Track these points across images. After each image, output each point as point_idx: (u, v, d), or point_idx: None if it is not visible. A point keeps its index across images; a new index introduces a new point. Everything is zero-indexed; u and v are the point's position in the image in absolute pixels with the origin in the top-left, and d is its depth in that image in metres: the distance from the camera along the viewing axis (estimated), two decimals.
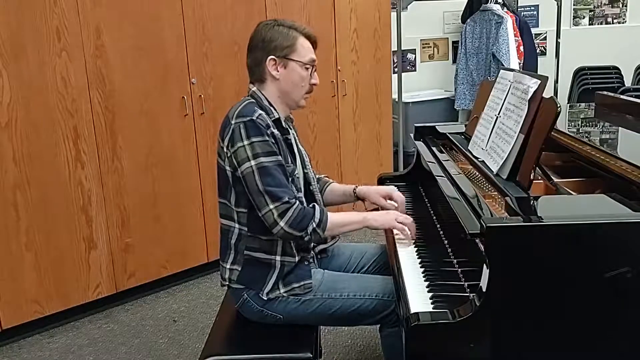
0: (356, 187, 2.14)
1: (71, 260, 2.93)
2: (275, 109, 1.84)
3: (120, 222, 3.07)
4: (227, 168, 1.79)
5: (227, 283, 1.88)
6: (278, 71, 1.82)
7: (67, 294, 2.94)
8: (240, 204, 1.81)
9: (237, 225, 1.83)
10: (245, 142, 1.72)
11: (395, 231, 1.91)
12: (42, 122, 2.76)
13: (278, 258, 1.81)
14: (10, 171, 2.69)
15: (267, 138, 1.74)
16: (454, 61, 5.59)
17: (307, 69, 1.84)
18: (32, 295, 2.83)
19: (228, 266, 1.86)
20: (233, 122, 1.75)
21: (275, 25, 1.83)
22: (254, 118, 1.73)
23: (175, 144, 3.21)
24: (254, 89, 1.86)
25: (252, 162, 1.72)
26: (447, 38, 5.71)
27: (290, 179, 1.81)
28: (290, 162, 1.83)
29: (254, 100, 1.82)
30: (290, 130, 1.92)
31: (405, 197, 2.28)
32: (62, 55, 2.77)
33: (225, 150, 1.78)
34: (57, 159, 2.82)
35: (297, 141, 1.96)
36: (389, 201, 2.08)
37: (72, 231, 2.92)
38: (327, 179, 2.16)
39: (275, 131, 1.79)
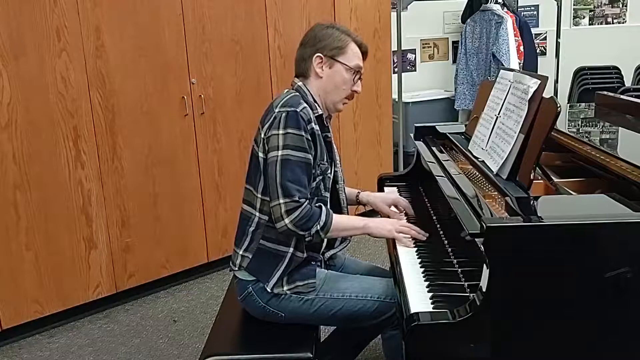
0: (359, 192, 2.15)
1: (71, 260, 2.93)
2: (318, 105, 1.86)
3: (120, 222, 3.07)
4: (260, 154, 1.81)
5: (236, 269, 1.88)
6: (322, 70, 1.85)
7: (67, 294, 2.94)
8: (267, 192, 1.81)
9: (257, 214, 1.84)
10: (281, 131, 1.74)
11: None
12: (42, 122, 2.76)
13: (291, 250, 1.81)
14: (10, 171, 2.69)
15: (303, 133, 1.74)
16: (454, 61, 5.59)
17: (352, 73, 1.87)
18: (32, 295, 2.83)
19: (241, 252, 1.87)
20: (276, 110, 1.77)
21: (330, 28, 1.88)
22: (298, 110, 1.75)
23: (175, 144, 3.21)
24: (299, 83, 1.88)
25: (279, 152, 1.73)
26: (447, 38, 5.72)
27: (321, 177, 1.82)
28: (326, 160, 1.85)
29: (298, 94, 1.84)
30: (330, 128, 1.94)
31: (405, 197, 2.28)
32: (62, 55, 2.77)
33: (262, 135, 1.79)
34: (57, 159, 2.82)
35: (333, 140, 1.98)
36: (392, 208, 2.09)
37: (72, 231, 2.92)
38: None
39: (316, 127, 1.80)
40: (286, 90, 1.89)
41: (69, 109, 2.83)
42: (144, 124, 3.08)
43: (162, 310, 3.13)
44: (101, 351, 2.76)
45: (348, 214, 2.03)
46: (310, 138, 1.76)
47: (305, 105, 1.78)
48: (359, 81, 1.91)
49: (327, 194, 1.89)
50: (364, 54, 1.92)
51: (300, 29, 3.65)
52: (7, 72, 2.63)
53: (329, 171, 1.88)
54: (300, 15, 3.64)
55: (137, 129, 3.06)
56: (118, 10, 2.92)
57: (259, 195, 1.83)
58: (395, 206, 2.13)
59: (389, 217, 2.08)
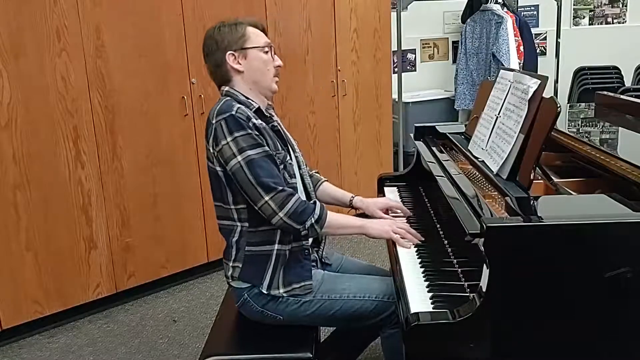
0: (353, 197, 2.13)
1: (71, 260, 2.93)
2: (252, 101, 1.85)
3: (120, 222, 3.07)
4: (218, 169, 1.80)
5: (230, 280, 1.88)
6: (240, 64, 1.85)
7: (67, 294, 2.94)
8: (239, 201, 1.81)
9: (238, 223, 1.84)
10: (229, 139, 1.73)
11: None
12: (42, 122, 2.76)
13: (276, 247, 1.81)
14: (10, 171, 2.69)
15: (249, 131, 1.74)
16: (454, 61, 5.59)
17: (266, 52, 1.87)
18: (32, 295, 2.83)
19: (231, 264, 1.86)
20: (214, 121, 1.77)
21: (221, 27, 1.88)
22: (234, 113, 1.74)
23: (175, 144, 3.21)
24: (226, 88, 1.88)
25: (239, 157, 1.73)
26: (447, 38, 5.72)
27: (283, 166, 1.82)
28: (280, 148, 1.84)
29: (229, 98, 1.84)
30: (274, 117, 1.93)
31: (405, 197, 2.29)
32: (62, 55, 2.77)
33: (212, 150, 1.79)
34: (57, 159, 2.82)
35: (283, 127, 1.97)
36: (390, 213, 2.08)
37: (72, 231, 2.92)
38: (319, 176, 2.17)
39: (259, 121, 1.80)
40: (219, 99, 1.88)
41: (69, 109, 2.83)
42: (144, 124, 3.08)
43: (162, 310, 3.13)
44: (101, 351, 2.76)
45: (316, 196, 2.03)
46: (257, 133, 1.76)
47: (239, 105, 1.78)
48: (276, 56, 1.91)
49: (294, 181, 1.88)
50: (264, 31, 1.92)
51: (300, 29, 3.65)
52: (7, 72, 2.63)
53: (288, 158, 1.87)
54: (300, 15, 3.64)
55: (137, 129, 3.06)
56: (118, 10, 2.92)
57: (232, 207, 1.83)
58: (390, 210, 2.11)
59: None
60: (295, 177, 1.89)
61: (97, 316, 3.07)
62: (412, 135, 2.45)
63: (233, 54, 1.84)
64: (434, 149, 2.19)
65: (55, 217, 2.85)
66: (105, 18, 2.88)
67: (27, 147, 2.72)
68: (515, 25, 5.06)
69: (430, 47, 5.69)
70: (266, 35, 1.92)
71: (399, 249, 1.83)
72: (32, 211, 2.78)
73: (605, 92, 2.48)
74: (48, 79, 2.75)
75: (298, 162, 1.97)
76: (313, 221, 1.76)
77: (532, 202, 1.47)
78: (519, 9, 5.61)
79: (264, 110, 1.87)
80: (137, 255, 3.16)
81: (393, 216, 2.06)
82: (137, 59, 3.01)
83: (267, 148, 1.76)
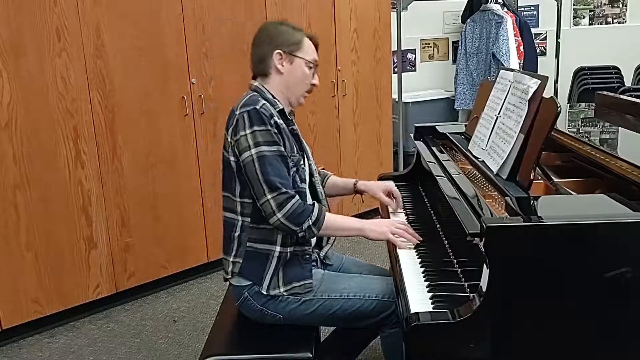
0: (357, 181, 2.18)
1: (71, 260, 2.93)
2: (278, 101, 1.87)
3: (120, 222, 3.07)
4: (232, 158, 1.81)
5: (229, 277, 1.88)
6: (283, 66, 1.86)
7: (67, 294, 2.94)
8: (245, 194, 1.82)
9: (240, 218, 1.84)
10: (248, 131, 1.75)
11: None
12: (42, 122, 2.76)
13: (277, 247, 1.82)
14: (10, 171, 2.69)
15: (269, 128, 1.75)
16: (454, 61, 5.59)
17: (310, 67, 1.89)
18: (32, 295, 2.83)
19: (231, 259, 1.87)
20: (237, 112, 1.79)
21: (282, 25, 1.90)
22: (258, 107, 1.76)
23: (175, 144, 3.21)
24: (257, 83, 1.89)
25: (253, 151, 1.74)
26: (447, 38, 5.72)
27: (295, 169, 1.83)
28: (296, 152, 1.86)
29: (256, 94, 1.85)
30: (294, 122, 1.94)
31: (405, 197, 2.29)
32: (62, 55, 2.77)
33: (229, 140, 1.80)
34: (57, 159, 2.82)
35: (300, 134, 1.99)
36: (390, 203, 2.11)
37: (72, 231, 2.92)
38: (325, 171, 2.19)
39: (280, 121, 1.81)
40: (246, 92, 1.89)
41: (69, 109, 2.83)
42: (144, 124, 3.08)
43: (162, 310, 3.13)
44: (101, 351, 2.76)
45: (328, 206, 2.03)
46: (277, 131, 1.78)
47: (264, 102, 1.79)
48: (316, 75, 1.94)
49: (304, 185, 1.89)
50: (317, 47, 1.94)
51: None
52: (7, 72, 2.63)
53: (302, 162, 1.89)
54: (300, 15, 3.64)
55: (137, 129, 3.06)
56: (118, 10, 2.92)
57: (238, 199, 1.83)
58: (390, 194, 2.15)
59: (386, 206, 2.11)
60: (305, 183, 1.89)
61: (97, 316, 3.07)
62: (412, 135, 2.45)
63: (280, 54, 1.85)
64: (434, 149, 2.19)
65: (55, 217, 2.85)
66: (105, 18, 2.88)
67: (27, 147, 2.72)
68: (515, 25, 5.06)
69: (430, 47, 5.69)
70: (317, 52, 1.93)
71: (399, 249, 1.83)
72: (32, 211, 2.77)
73: (605, 92, 2.48)
74: (48, 79, 2.75)
75: (311, 169, 1.98)
76: (310, 223, 1.76)
77: (532, 202, 1.47)
78: (519, 9, 5.61)
79: (287, 113, 1.89)
80: (137, 255, 3.15)
81: (391, 214, 2.08)
82: (137, 59, 3.01)
83: (282, 148, 1.78)
